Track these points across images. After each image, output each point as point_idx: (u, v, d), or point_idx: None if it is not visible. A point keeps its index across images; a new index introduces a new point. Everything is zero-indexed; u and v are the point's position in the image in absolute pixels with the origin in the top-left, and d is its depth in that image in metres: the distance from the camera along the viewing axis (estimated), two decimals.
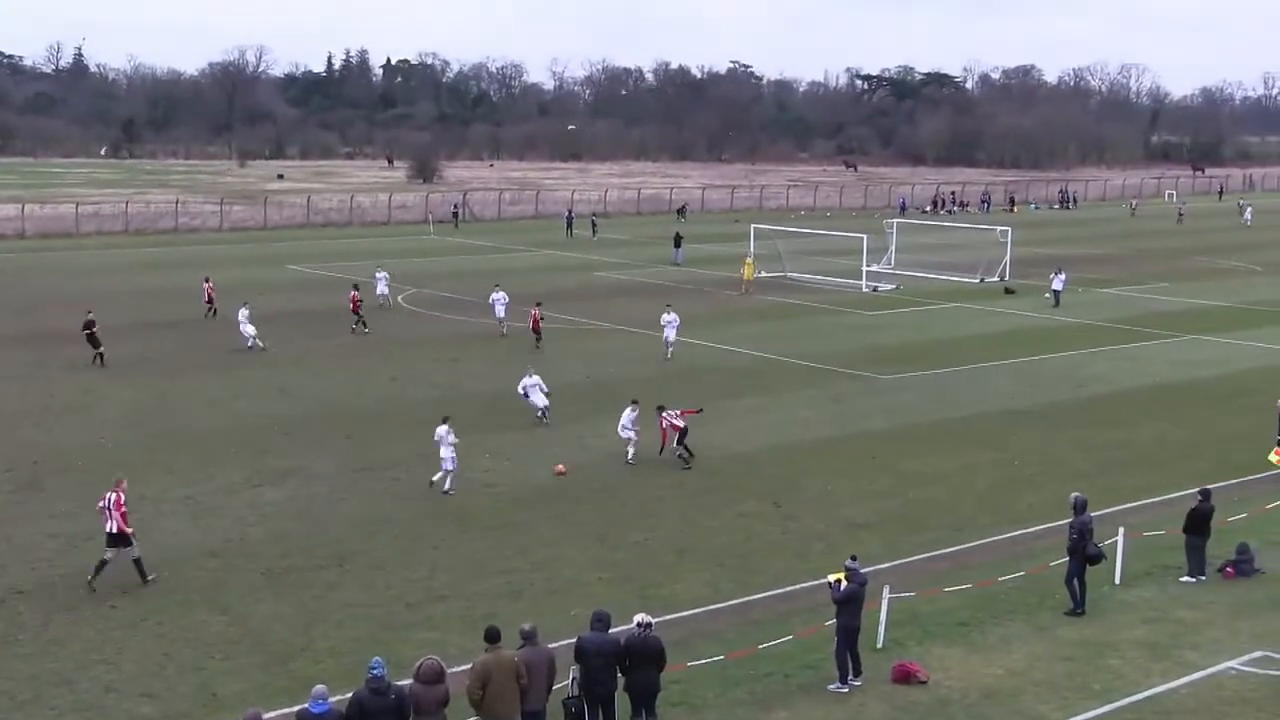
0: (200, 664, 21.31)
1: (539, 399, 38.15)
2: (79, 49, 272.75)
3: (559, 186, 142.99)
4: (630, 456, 33.57)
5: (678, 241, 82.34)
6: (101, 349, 45.86)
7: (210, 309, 55.75)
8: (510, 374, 44.84)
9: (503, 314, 53.85)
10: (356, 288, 55.33)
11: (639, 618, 18.41)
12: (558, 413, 38.41)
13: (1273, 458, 33.40)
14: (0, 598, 24.09)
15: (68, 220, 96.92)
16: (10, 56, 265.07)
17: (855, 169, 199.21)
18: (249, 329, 49.23)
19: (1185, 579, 25.59)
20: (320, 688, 16.08)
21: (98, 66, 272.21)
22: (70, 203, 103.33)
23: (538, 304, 51.52)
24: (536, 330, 50.28)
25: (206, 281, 57.34)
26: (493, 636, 17.27)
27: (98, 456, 33.86)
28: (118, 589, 24.47)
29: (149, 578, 24.85)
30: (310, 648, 22.04)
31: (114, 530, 24.60)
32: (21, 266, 74.45)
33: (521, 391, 38.33)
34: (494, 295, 54.49)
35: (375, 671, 16.22)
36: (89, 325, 46.08)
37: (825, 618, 21.55)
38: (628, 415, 33.83)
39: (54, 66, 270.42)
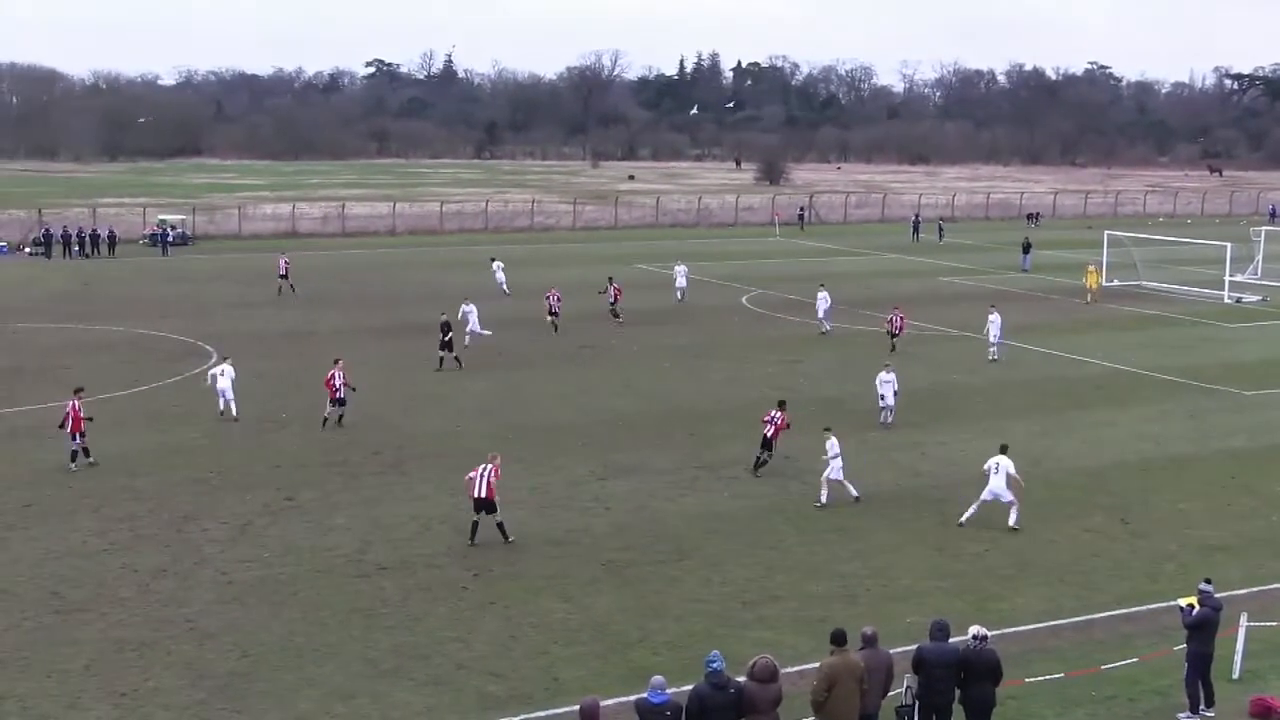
0: (544, 649, 22.13)
1: (888, 396, 38.01)
2: (449, 56, 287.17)
3: (906, 190, 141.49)
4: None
5: (1026, 248, 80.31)
6: (449, 353, 45.67)
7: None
8: (849, 376, 44.83)
9: (823, 314, 54.18)
10: (611, 279, 57.80)
11: (974, 630, 18.09)
12: (900, 418, 38.11)
13: None
14: (367, 573, 25.65)
15: (433, 218, 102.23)
16: (389, 65, 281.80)
17: (1220, 173, 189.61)
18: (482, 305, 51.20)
19: None
20: (659, 678, 16.39)
21: (465, 72, 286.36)
22: (435, 201, 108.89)
23: (896, 307, 51.79)
24: (897, 332, 50.01)
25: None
26: (839, 639, 17.20)
27: (453, 444, 35.56)
28: (469, 571, 25.69)
29: (509, 539, 26.89)
30: (648, 639, 22.56)
31: (483, 495, 26.75)
32: (391, 261, 78.94)
33: (878, 385, 38.31)
34: (819, 294, 54.85)
35: (715, 665, 16.35)
36: (445, 326, 46.19)
37: (1173, 642, 20.65)
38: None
39: (426, 72, 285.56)
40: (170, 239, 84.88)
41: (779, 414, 32.50)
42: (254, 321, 55.70)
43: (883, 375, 38.31)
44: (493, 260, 66.80)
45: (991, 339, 48.60)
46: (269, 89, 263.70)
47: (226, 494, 30.71)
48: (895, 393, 38.13)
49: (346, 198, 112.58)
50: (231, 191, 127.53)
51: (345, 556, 26.54)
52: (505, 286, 63.96)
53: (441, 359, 45.63)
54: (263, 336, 51.76)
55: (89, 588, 24.60)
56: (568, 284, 57.73)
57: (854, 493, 30.63)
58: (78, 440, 32.81)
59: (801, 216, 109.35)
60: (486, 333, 50.13)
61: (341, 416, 37.23)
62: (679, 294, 63.13)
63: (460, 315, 50.31)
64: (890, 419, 37.98)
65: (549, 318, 53.38)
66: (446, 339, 45.84)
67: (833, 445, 30.46)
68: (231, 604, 23.87)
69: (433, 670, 21.17)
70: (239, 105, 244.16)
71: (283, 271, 64.77)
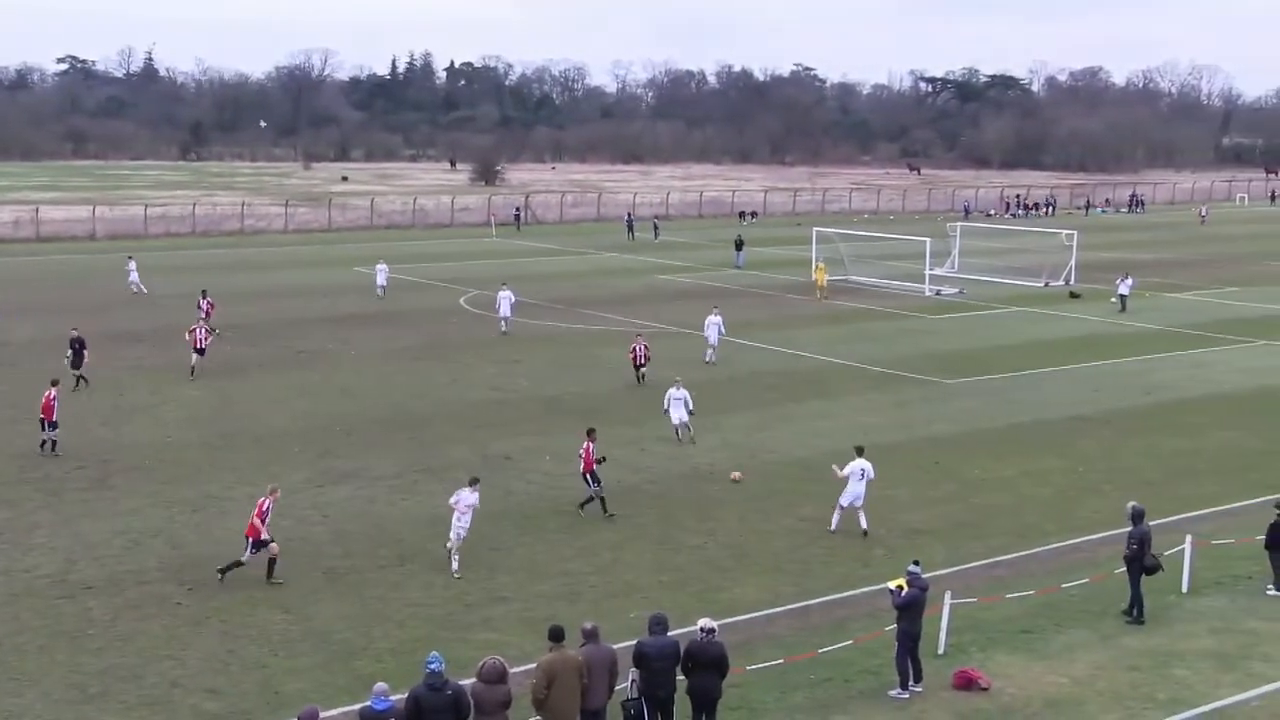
0: (263, 662, 21.49)
1: (680, 414, 36.01)
2: (149, 53, 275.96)
3: (620, 189, 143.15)
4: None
5: (739, 245, 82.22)
6: (81, 371, 41.92)
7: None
8: (570, 375, 45.04)
9: (508, 313, 53.89)
10: (204, 293, 52.87)
11: (703, 622, 18.36)
12: (616, 415, 38.45)
13: None
14: (70, 593, 24.39)
15: (137, 222, 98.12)
16: (84, 61, 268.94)
17: (919, 172, 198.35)
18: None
19: (1271, 591, 24.95)
20: (382, 685, 16.19)
21: (167, 70, 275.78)
22: (139, 204, 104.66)
23: (639, 334, 46.56)
24: (642, 363, 44.00)
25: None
26: (557, 636, 17.29)
27: (164, 456, 34.23)
28: (183, 585, 24.75)
29: (220, 572, 25.18)
30: (371, 647, 22.16)
31: (245, 532, 25.28)
32: (92, 268, 75.44)
33: (665, 405, 36.30)
34: (500, 293, 54.56)
35: (433, 666, 16.29)
36: (76, 342, 42.15)
37: (885, 623, 21.45)
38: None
39: (125, 70, 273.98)
40: None
41: (588, 444, 29.92)
42: None
43: (673, 392, 36.24)
44: (129, 259, 66.15)
45: (712, 340, 47.78)
46: None
47: None
48: (690, 411, 36.04)
49: (40, 201, 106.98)
50: None
51: (47, 577, 25.18)
52: (137, 286, 63.69)
53: (78, 378, 41.82)
54: None
55: None
56: (280, 288, 56.21)
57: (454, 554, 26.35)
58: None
59: (518, 217, 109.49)
60: None
61: (55, 442, 34.38)
62: (380, 291, 63.63)
63: None
64: (685, 436, 36.26)
65: (194, 354, 44.63)
66: (76, 352, 42.04)
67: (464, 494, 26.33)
68: None
69: (145, 691, 20.28)
70: None
71: None
